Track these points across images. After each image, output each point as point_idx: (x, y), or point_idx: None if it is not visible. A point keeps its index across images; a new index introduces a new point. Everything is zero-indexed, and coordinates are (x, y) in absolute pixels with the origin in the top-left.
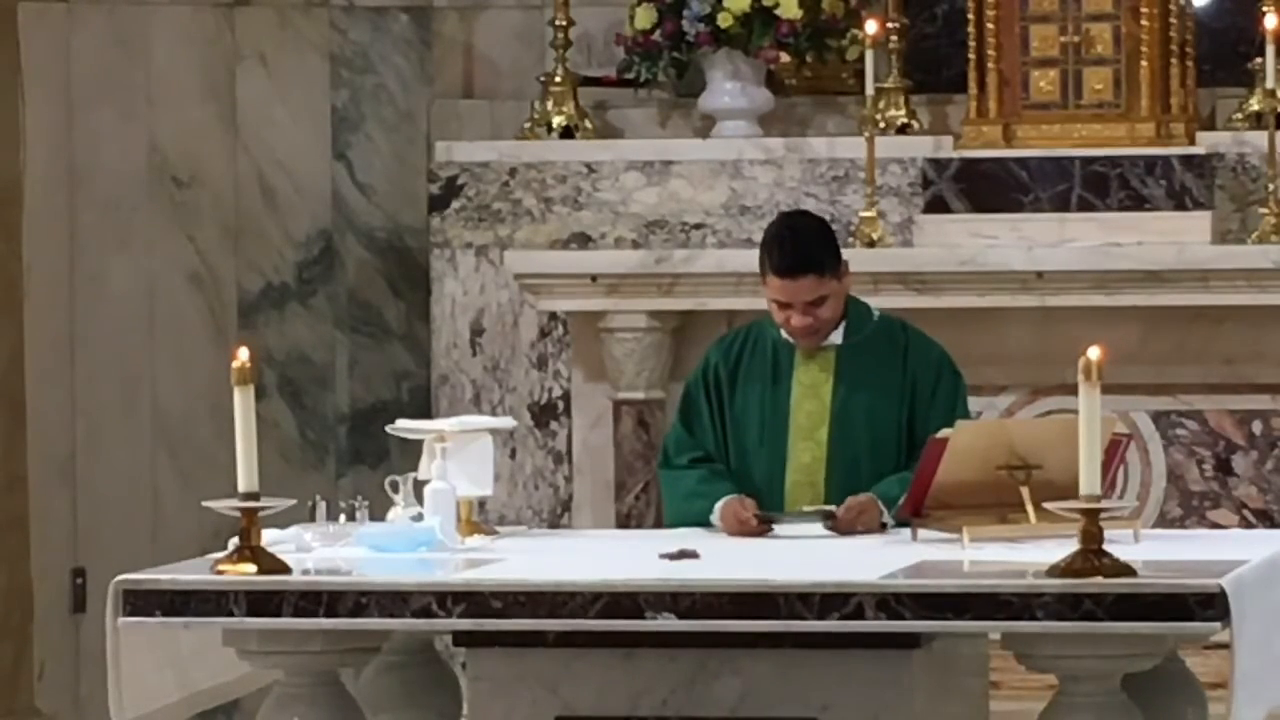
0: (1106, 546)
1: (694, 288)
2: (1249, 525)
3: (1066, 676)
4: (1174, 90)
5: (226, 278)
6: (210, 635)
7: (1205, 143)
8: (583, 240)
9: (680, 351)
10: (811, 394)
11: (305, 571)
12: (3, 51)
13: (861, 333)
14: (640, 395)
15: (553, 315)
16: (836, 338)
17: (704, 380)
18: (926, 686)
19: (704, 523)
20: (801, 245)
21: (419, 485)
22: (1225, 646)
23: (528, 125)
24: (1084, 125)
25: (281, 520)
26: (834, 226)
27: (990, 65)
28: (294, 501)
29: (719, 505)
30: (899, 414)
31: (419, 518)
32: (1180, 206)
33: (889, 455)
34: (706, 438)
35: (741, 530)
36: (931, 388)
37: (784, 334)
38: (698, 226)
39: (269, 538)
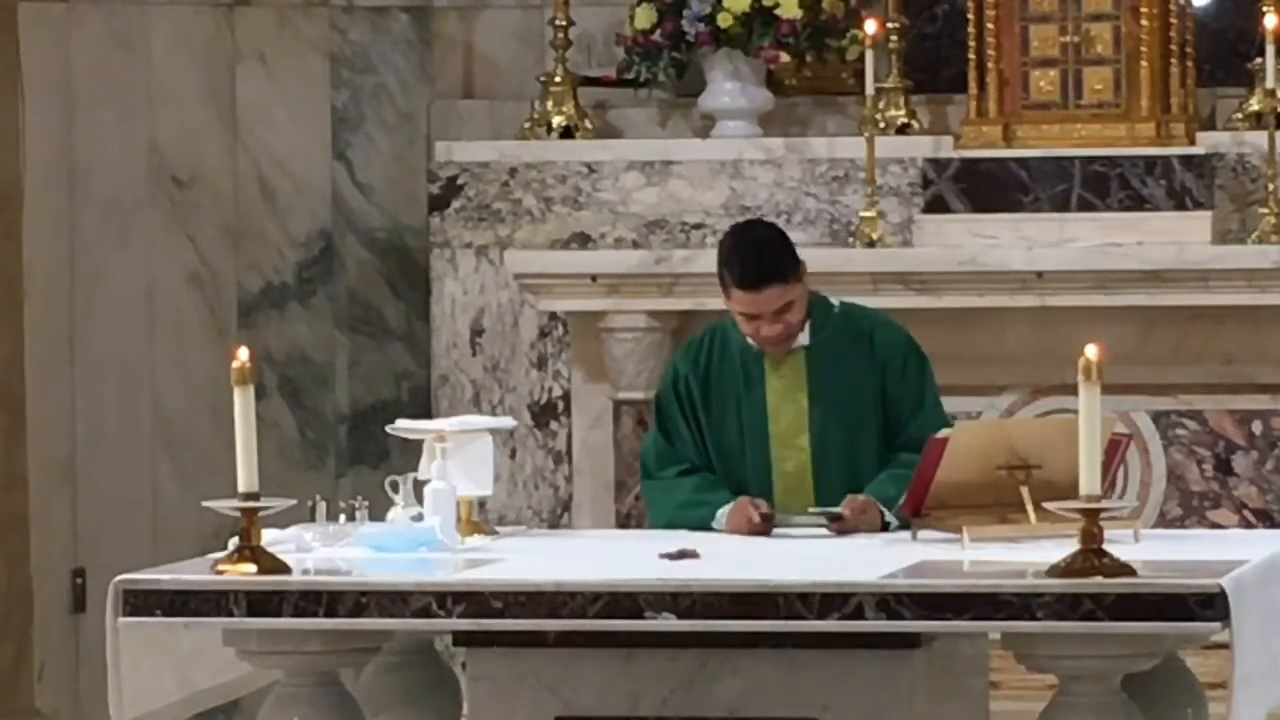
0: (1106, 546)
1: (694, 288)
2: (1249, 525)
3: (1066, 676)
4: (1174, 90)
5: (226, 278)
6: (210, 635)
7: (1205, 143)
8: (583, 240)
9: None
10: (787, 401)
11: (305, 571)
12: (3, 51)
13: (826, 329)
14: (640, 395)
15: (553, 315)
16: (803, 339)
17: (675, 392)
18: (926, 686)
19: (703, 529)
20: (762, 256)
21: (419, 485)
22: (1225, 646)
23: (528, 125)
24: (1084, 125)
25: (281, 520)
26: (834, 226)
27: (990, 65)
28: (294, 501)
29: (726, 509)
30: (875, 405)
31: (419, 518)
32: (1180, 206)
33: (871, 448)
34: (687, 449)
35: (750, 528)
36: (900, 371)
37: (750, 339)
38: (698, 226)
39: (269, 538)
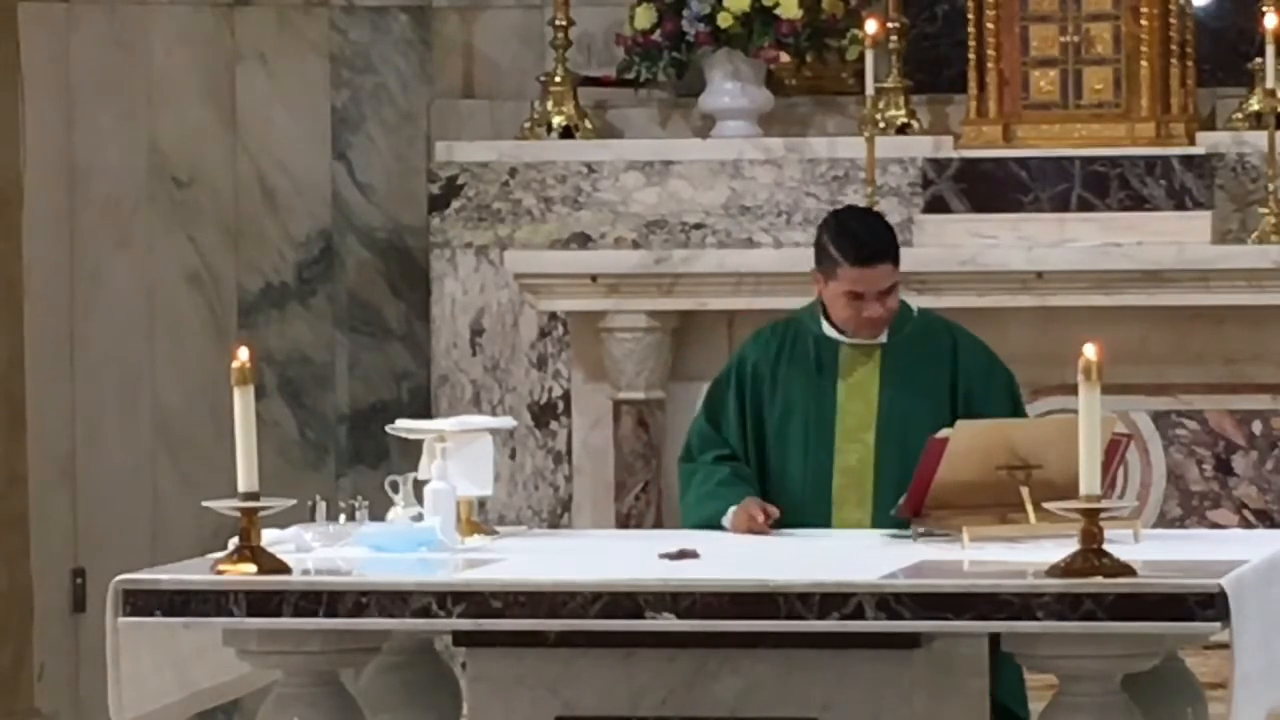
0: (1106, 546)
1: (694, 288)
2: (1249, 525)
3: (1066, 676)
4: (1174, 90)
5: (226, 278)
6: (210, 635)
7: (1205, 143)
8: (583, 240)
9: (680, 351)
10: (858, 393)
11: (305, 571)
12: (3, 51)
13: (904, 329)
14: (640, 395)
15: (553, 315)
16: (881, 335)
17: (736, 377)
18: (926, 686)
19: (715, 524)
20: (878, 233)
21: (419, 485)
22: (1225, 646)
23: (528, 125)
24: (1084, 125)
25: (281, 520)
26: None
27: (990, 65)
28: (294, 501)
29: (733, 509)
30: (946, 414)
31: (419, 518)
32: (1180, 206)
33: None
34: (731, 435)
35: (750, 528)
36: (984, 390)
37: (826, 330)
38: (698, 226)
39: (269, 538)
